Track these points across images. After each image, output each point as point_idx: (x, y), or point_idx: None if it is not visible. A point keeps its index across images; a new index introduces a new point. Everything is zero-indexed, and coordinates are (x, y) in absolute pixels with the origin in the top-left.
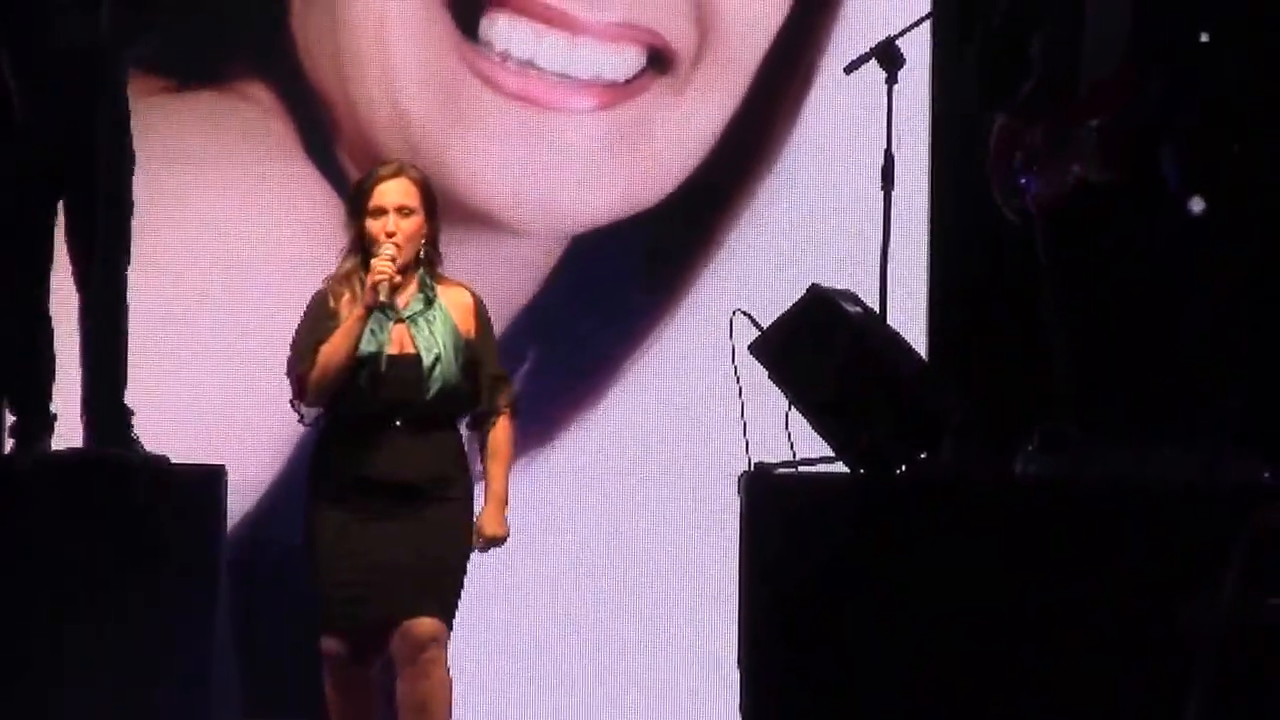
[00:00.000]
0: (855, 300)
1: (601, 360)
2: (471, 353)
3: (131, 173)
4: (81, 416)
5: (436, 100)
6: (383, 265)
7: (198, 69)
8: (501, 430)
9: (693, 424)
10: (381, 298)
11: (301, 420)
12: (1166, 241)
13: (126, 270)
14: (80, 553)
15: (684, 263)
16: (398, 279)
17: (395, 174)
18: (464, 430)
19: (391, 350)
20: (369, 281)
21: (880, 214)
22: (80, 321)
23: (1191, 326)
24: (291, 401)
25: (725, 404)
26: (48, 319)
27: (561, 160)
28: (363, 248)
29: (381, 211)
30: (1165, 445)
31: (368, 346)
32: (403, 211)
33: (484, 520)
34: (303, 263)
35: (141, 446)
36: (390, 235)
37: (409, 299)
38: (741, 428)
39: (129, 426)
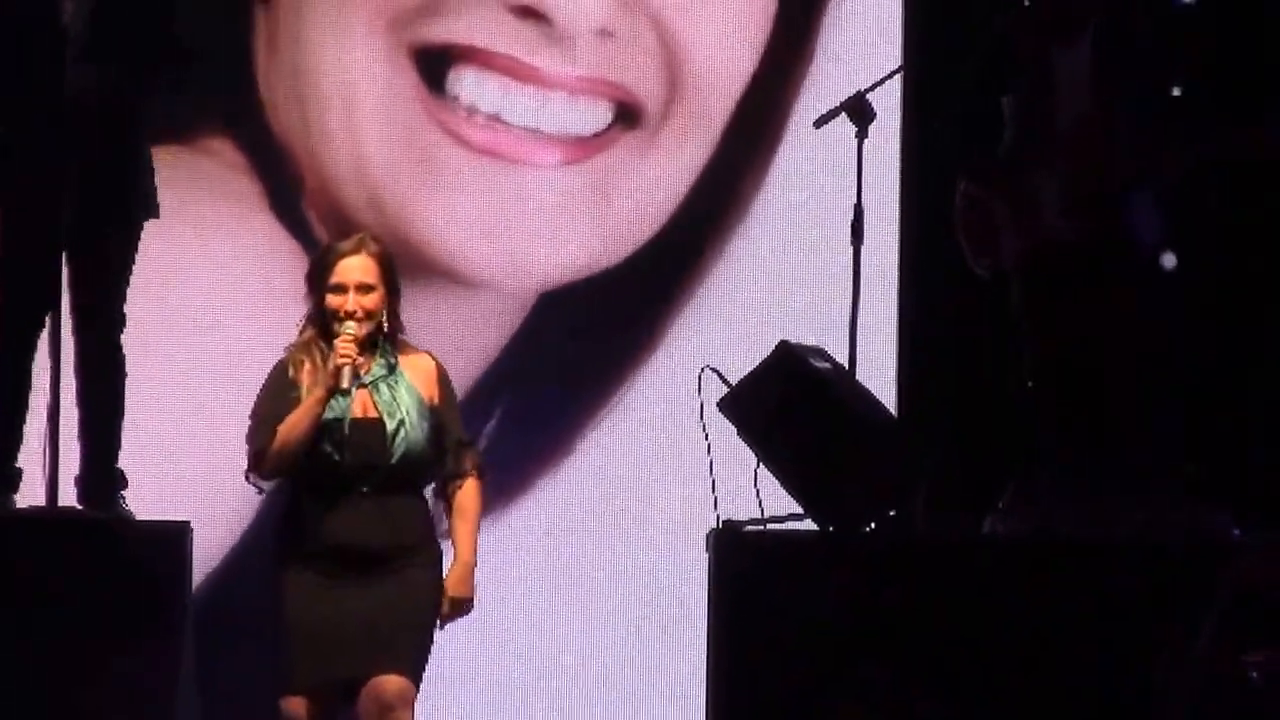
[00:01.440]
0: (824, 356)
1: (569, 417)
2: (436, 418)
3: (141, 228)
4: (76, 481)
5: (402, 154)
6: (345, 348)
7: (161, 124)
8: (468, 492)
9: (660, 481)
10: (345, 384)
11: (259, 491)
12: (1136, 296)
13: (122, 331)
14: (43, 610)
15: (652, 319)
16: (360, 361)
17: (356, 249)
18: (430, 496)
19: (355, 414)
20: (331, 365)
21: (850, 269)
22: (77, 377)
23: (1159, 381)
24: (247, 474)
25: (693, 461)
26: (29, 373)
27: (529, 215)
28: (322, 319)
29: (342, 288)
30: (1135, 501)
31: (330, 412)
32: (363, 289)
33: (450, 582)
34: (268, 320)
35: (130, 512)
36: (350, 314)
37: (370, 365)
38: (710, 485)
39: (120, 495)
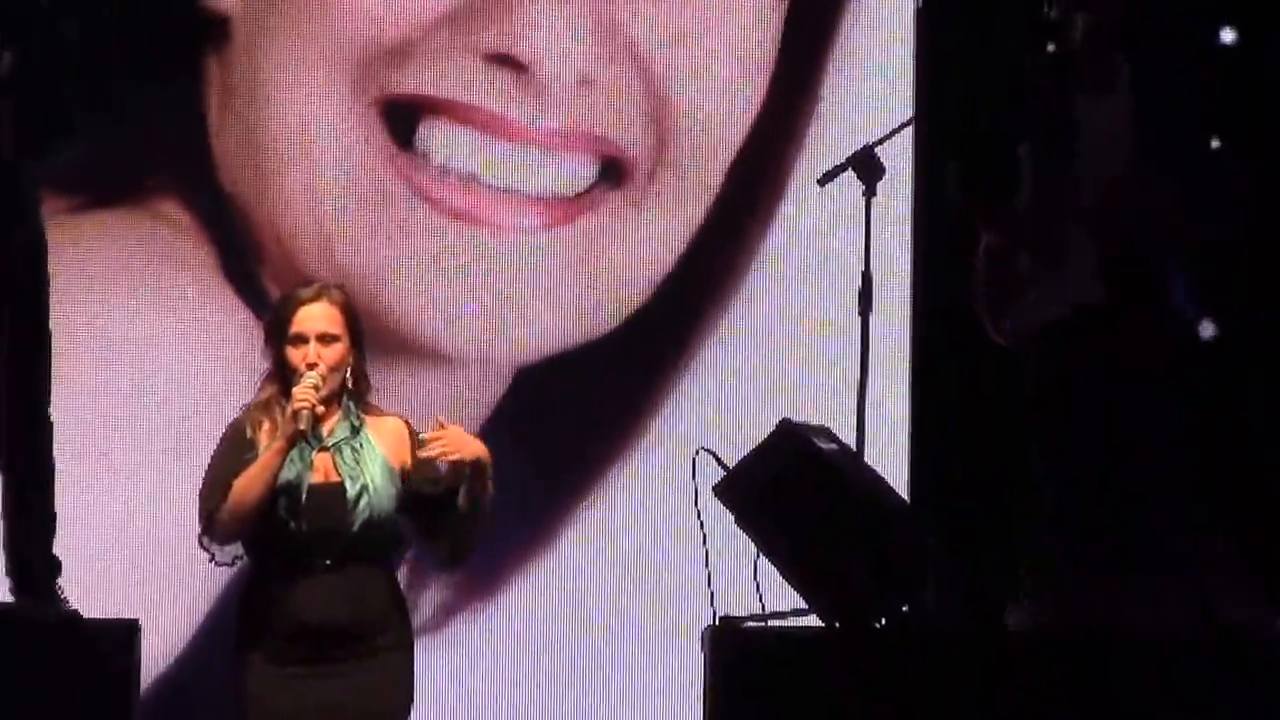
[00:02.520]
0: (830, 436)
1: (549, 504)
2: (407, 486)
3: (48, 297)
4: (5, 568)
5: (367, 217)
6: (304, 393)
7: (107, 185)
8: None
9: (652, 573)
10: (302, 425)
11: (213, 560)
12: (1167, 366)
13: (49, 406)
14: None
15: (641, 396)
16: (320, 408)
17: (316, 297)
18: (403, 573)
19: (314, 478)
20: (289, 409)
21: (858, 340)
22: (2, 461)
23: (1187, 456)
24: (200, 538)
25: (688, 551)
26: None
27: (505, 282)
28: (282, 376)
29: (302, 339)
30: (1161, 583)
31: (287, 474)
32: (325, 339)
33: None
34: (222, 393)
35: (67, 602)
36: (312, 366)
37: (333, 427)
38: (706, 577)
39: (55, 581)
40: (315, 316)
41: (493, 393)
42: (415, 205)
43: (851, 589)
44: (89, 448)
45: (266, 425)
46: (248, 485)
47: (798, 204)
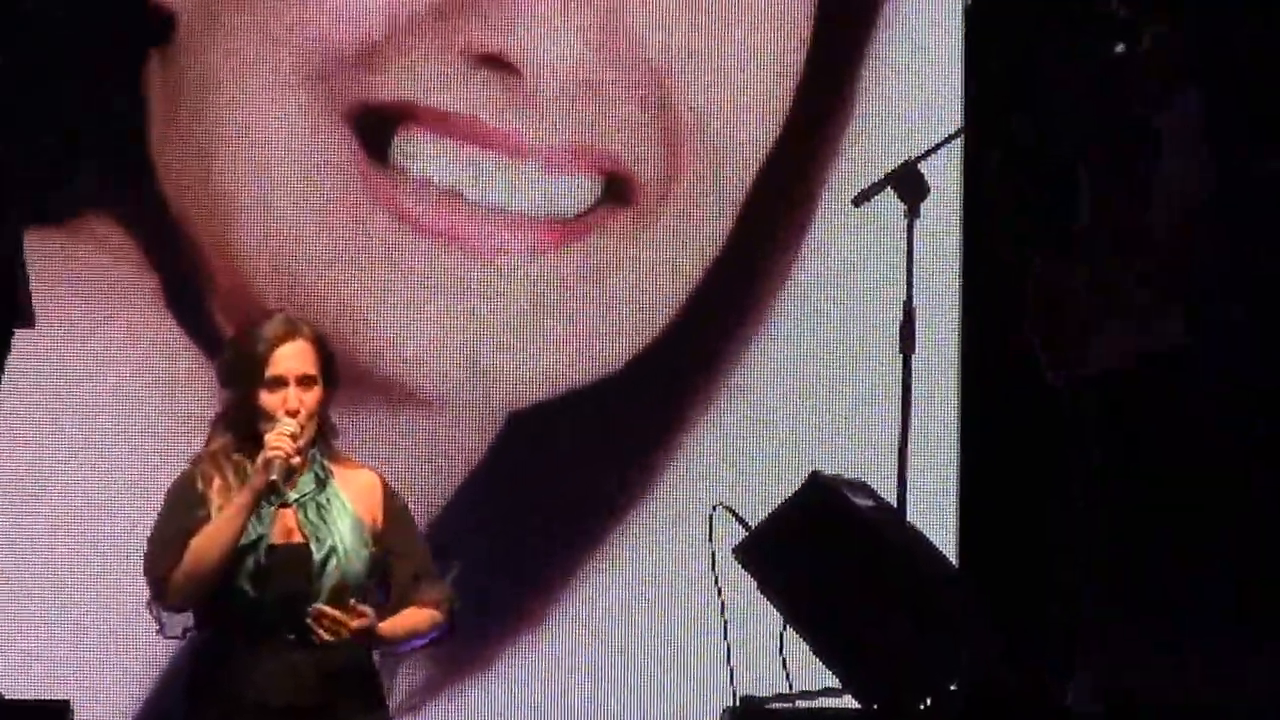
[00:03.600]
0: (867, 492)
1: (545, 571)
2: (383, 547)
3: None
4: None
5: (335, 240)
6: (279, 440)
7: (35, 205)
8: (421, 613)
9: (662, 648)
10: (274, 476)
11: (161, 630)
12: (1235, 418)
13: None
14: None
15: (651, 447)
16: (296, 459)
17: (290, 334)
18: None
19: (275, 539)
20: (262, 458)
21: (899, 383)
22: None
23: (1265, 509)
24: (149, 605)
25: (704, 621)
26: None
27: (495, 315)
28: (244, 421)
29: (281, 383)
30: (1245, 657)
31: (245, 536)
32: (305, 382)
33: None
34: (166, 441)
35: None
36: (293, 413)
37: (296, 480)
38: (725, 651)
39: None
40: (293, 356)
41: (479, 442)
42: (390, 226)
43: (891, 665)
44: (12, 503)
45: (218, 481)
46: (207, 545)
47: (830, 227)
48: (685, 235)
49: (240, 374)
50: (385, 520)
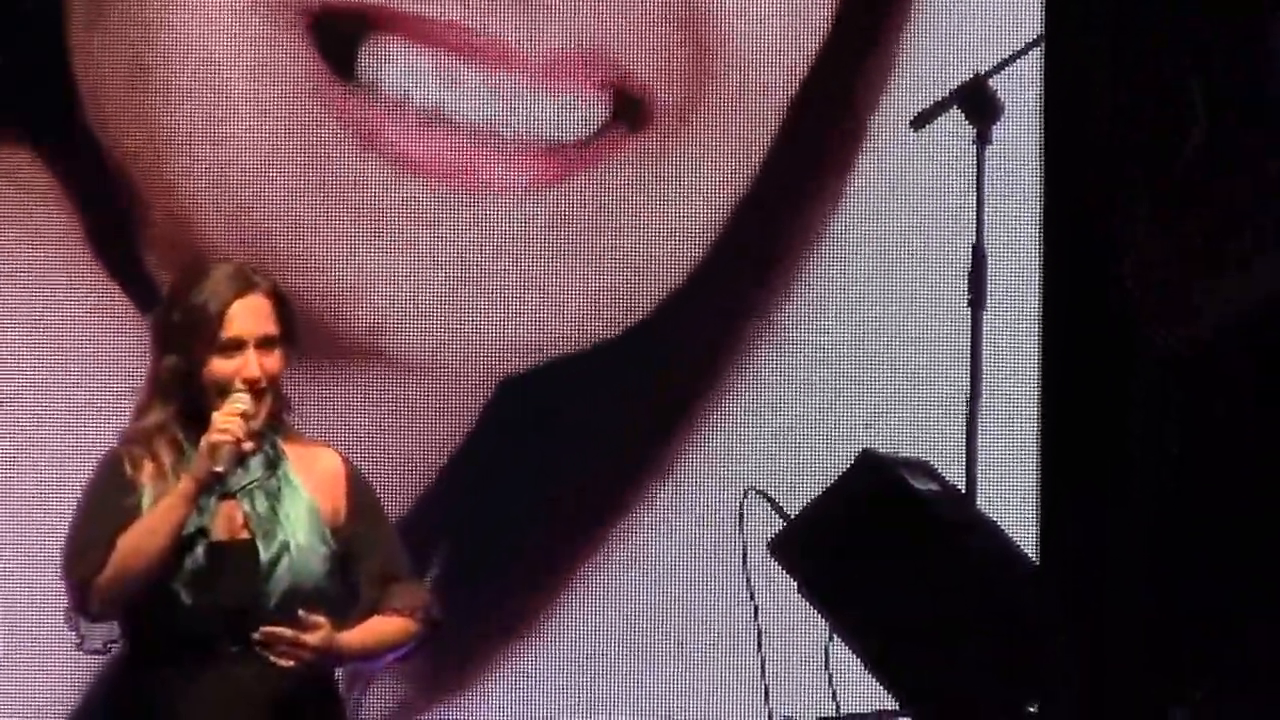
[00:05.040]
0: (928, 473)
1: (544, 569)
2: (345, 544)
3: None
4: None
5: (291, 172)
6: (228, 421)
7: None
8: (392, 623)
9: (683, 658)
10: (219, 467)
11: (81, 645)
12: None
13: None
14: None
15: (671, 420)
16: (248, 445)
17: (247, 287)
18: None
19: (217, 535)
20: (207, 441)
21: (966, 342)
22: None
23: None
24: (68, 613)
25: (733, 629)
26: None
27: (484, 261)
28: (185, 392)
29: (238, 346)
30: None
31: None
32: (265, 344)
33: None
34: (92, 415)
35: None
36: (253, 382)
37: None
38: (758, 665)
39: None
40: (250, 314)
41: (465, 415)
42: (359, 154)
43: (958, 682)
44: None
45: (151, 464)
46: (139, 544)
47: (882, 157)
48: (709, 166)
49: (185, 336)
50: (349, 511)
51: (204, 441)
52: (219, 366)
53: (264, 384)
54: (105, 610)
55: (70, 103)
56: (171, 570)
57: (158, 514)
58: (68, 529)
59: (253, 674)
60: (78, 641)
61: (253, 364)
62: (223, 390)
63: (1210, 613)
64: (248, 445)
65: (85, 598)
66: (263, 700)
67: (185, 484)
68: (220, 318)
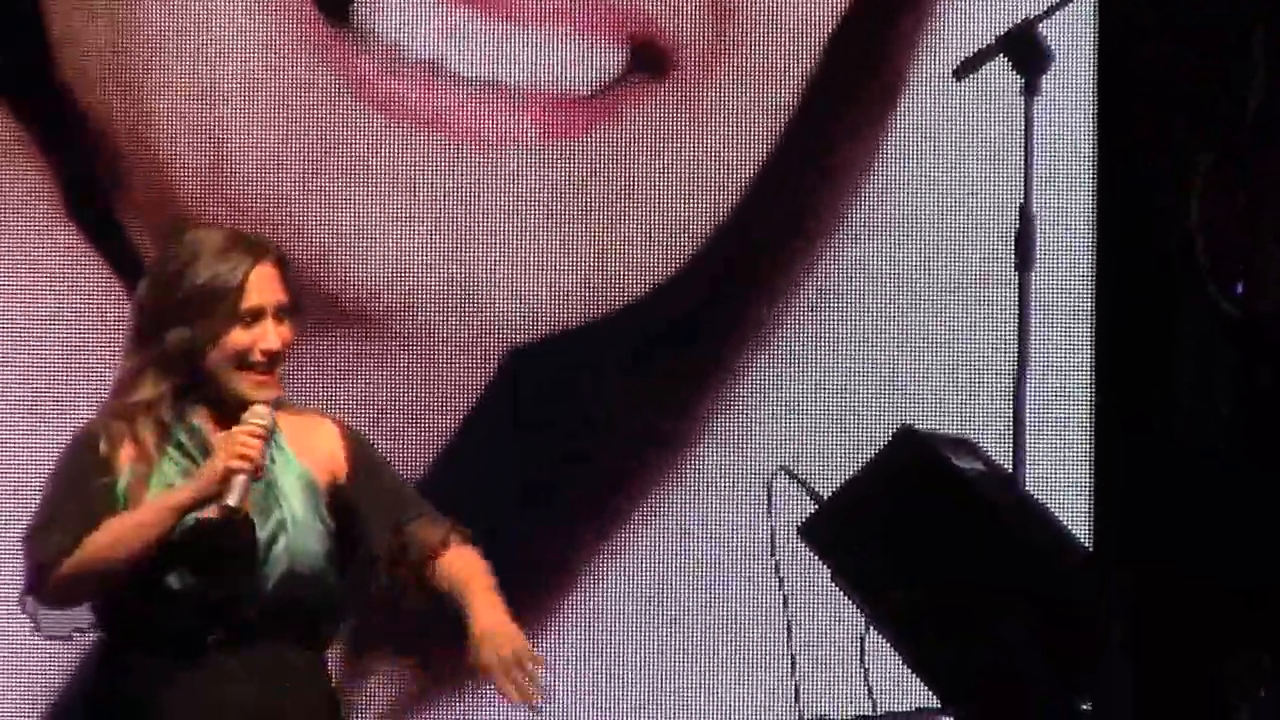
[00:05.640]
0: (972, 451)
1: (554, 551)
2: (350, 503)
3: None
4: None
5: (282, 128)
6: (249, 446)
7: None
8: (467, 558)
9: (708, 656)
10: (231, 500)
11: (39, 629)
12: None
13: None
14: None
15: (692, 392)
16: (263, 472)
17: (261, 254)
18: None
19: (207, 512)
20: (221, 467)
21: (1012, 310)
22: None
23: None
24: (23, 597)
25: (760, 620)
26: None
27: (493, 221)
28: (186, 367)
29: (258, 316)
30: None
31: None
32: (281, 314)
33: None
34: (68, 390)
35: None
36: (272, 354)
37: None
38: (788, 661)
39: None
40: (267, 281)
41: (471, 386)
42: (354, 108)
43: (1004, 678)
44: None
45: (131, 444)
46: (115, 542)
47: (921, 108)
48: (734, 119)
49: (202, 307)
50: (350, 471)
51: (218, 464)
52: (238, 338)
53: (282, 356)
54: (62, 600)
55: (46, 57)
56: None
57: (141, 514)
58: (37, 509)
59: (241, 666)
60: (34, 625)
61: (272, 334)
62: (242, 363)
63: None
64: (262, 472)
65: (42, 581)
66: (253, 695)
67: (183, 496)
68: (243, 287)
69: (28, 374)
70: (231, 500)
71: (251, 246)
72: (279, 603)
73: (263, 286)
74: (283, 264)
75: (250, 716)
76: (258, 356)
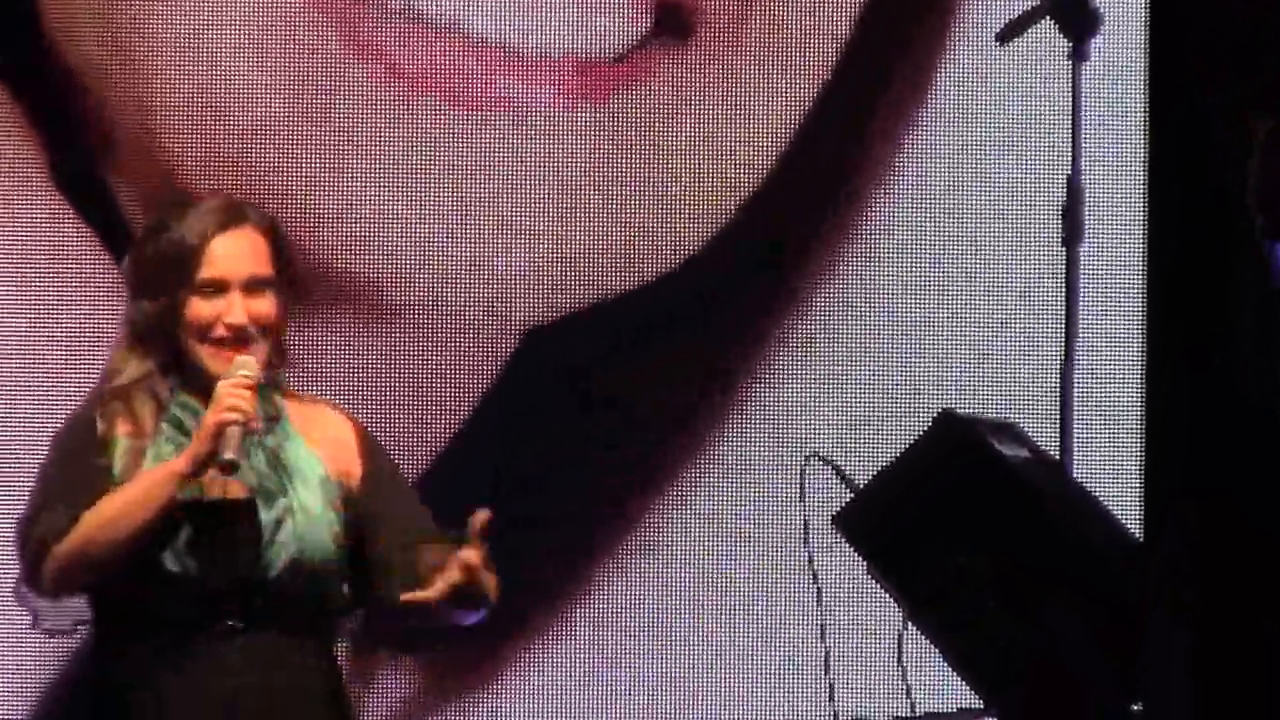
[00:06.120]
0: (1018, 437)
1: (573, 544)
2: (363, 511)
3: None
4: None
5: (285, 97)
6: (237, 396)
7: None
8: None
9: (737, 654)
10: (227, 455)
11: (37, 624)
12: None
13: None
14: None
15: (716, 377)
16: (258, 422)
17: (233, 219)
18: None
19: (208, 492)
20: (211, 421)
21: (1059, 287)
22: None
23: None
24: (19, 586)
25: (793, 615)
26: None
27: (509, 193)
28: (163, 341)
29: (218, 288)
30: None
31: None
32: (255, 287)
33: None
34: (58, 370)
35: None
36: (237, 329)
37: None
38: (821, 657)
39: None
40: (237, 251)
41: (484, 370)
42: (363, 75)
43: (1051, 677)
44: None
45: (125, 422)
46: (115, 519)
47: (962, 75)
48: (764, 86)
49: (160, 274)
50: (364, 476)
51: (208, 420)
52: (198, 309)
53: (251, 331)
54: (59, 587)
55: (33, 16)
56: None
57: (139, 487)
58: (30, 496)
59: (246, 657)
60: (32, 619)
61: (237, 308)
62: (204, 336)
63: None
64: (257, 424)
65: (37, 569)
66: (259, 684)
67: (179, 463)
68: (198, 252)
69: (17, 360)
70: (228, 454)
71: (225, 212)
72: (284, 590)
73: (228, 255)
74: (271, 234)
75: (251, 709)
76: (220, 331)
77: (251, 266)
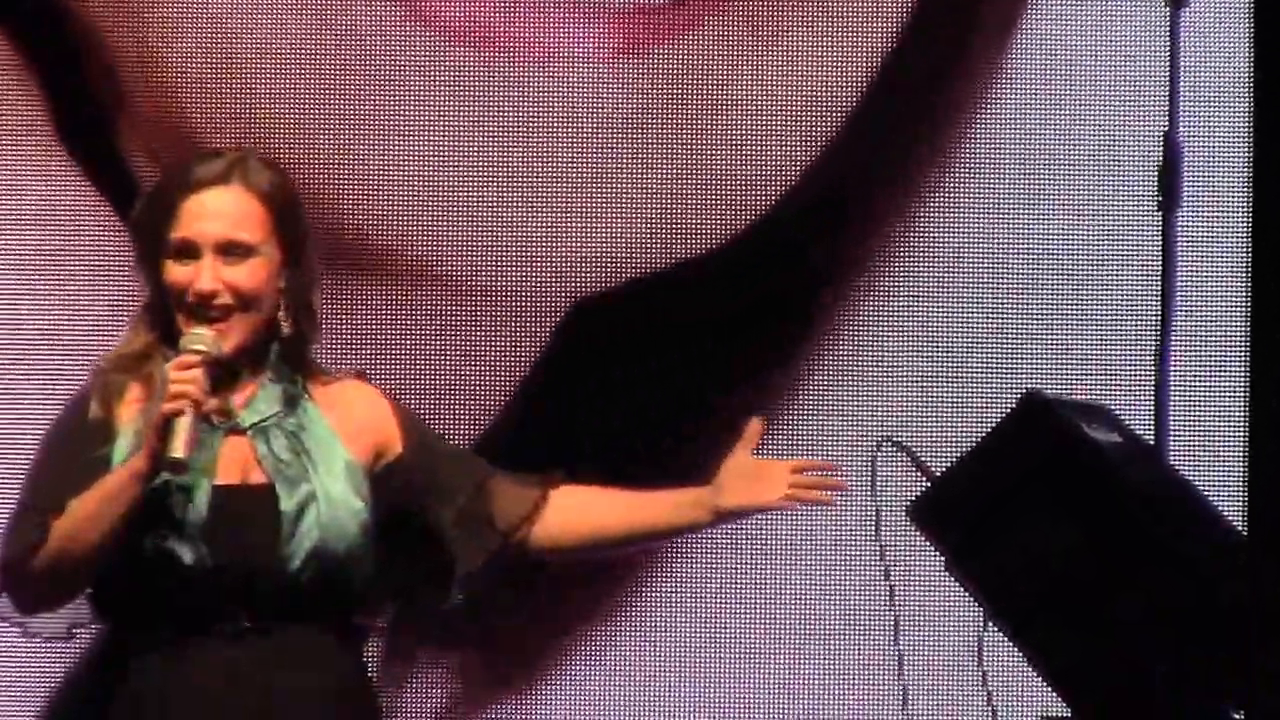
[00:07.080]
0: (1110, 422)
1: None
2: (409, 474)
3: None
4: None
5: (309, 44)
6: (181, 380)
7: None
8: (574, 493)
9: (798, 654)
10: (175, 452)
11: (27, 633)
12: None
13: None
14: None
15: (776, 356)
16: (212, 401)
17: (223, 175)
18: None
19: (224, 479)
20: (154, 410)
21: (1155, 258)
22: None
23: None
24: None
25: (861, 615)
26: None
27: (554, 151)
28: (166, 312)
29: (189, 250)
30: None
31: (177, 474)
32: (231, 251)
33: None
34: (57, 335)
35: None
36: (205, 297)
37: (248, 398)
38: (894, 659)
39: None
40: (214, 210)
41: (529, 345)
42: (394, 22)
43: (1145, 683)
44: None
45: (131, 398)
46: (80, 531)
47: (1044, 26)
48: (832, 34)
49: (142, 237)
50: (405, 438)
51: (152, 408)
52: (173, 274)
53: (227, 300)
54: (38, 601)
55: None
56: (162, 522)
57: (103, 490)
58: (23, 486)
59: (265, 656)
60: (19, 626)
61: (206, 274)
62: (179, 304)
63: None
64: (211, 404)
65: (22, 572)
66: (281, 687)
67: (136, 461)
68: (170, 212)
69: (20, 328)
70: (175, 451)
71: (214, 166)
72: (305, 583)
73: (203, 214)
74: (272, 198)
75: (271, 709)
76: (190, 299)
77: (226, 229)
